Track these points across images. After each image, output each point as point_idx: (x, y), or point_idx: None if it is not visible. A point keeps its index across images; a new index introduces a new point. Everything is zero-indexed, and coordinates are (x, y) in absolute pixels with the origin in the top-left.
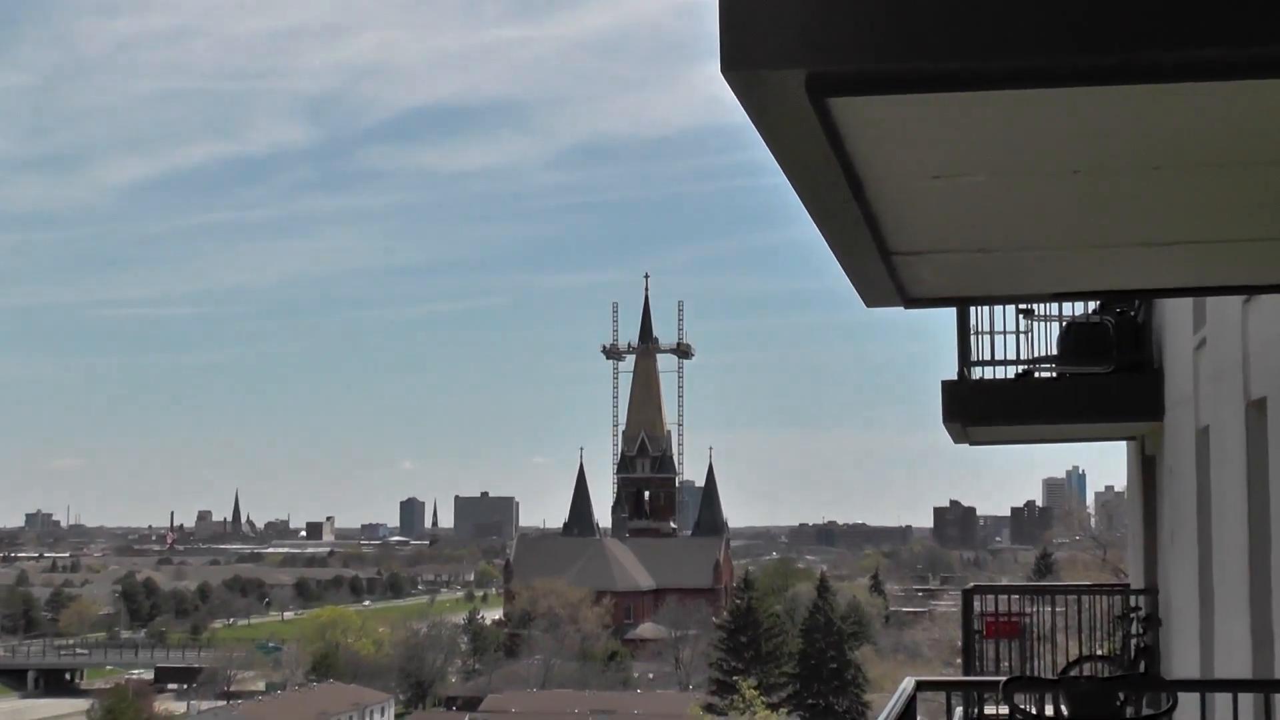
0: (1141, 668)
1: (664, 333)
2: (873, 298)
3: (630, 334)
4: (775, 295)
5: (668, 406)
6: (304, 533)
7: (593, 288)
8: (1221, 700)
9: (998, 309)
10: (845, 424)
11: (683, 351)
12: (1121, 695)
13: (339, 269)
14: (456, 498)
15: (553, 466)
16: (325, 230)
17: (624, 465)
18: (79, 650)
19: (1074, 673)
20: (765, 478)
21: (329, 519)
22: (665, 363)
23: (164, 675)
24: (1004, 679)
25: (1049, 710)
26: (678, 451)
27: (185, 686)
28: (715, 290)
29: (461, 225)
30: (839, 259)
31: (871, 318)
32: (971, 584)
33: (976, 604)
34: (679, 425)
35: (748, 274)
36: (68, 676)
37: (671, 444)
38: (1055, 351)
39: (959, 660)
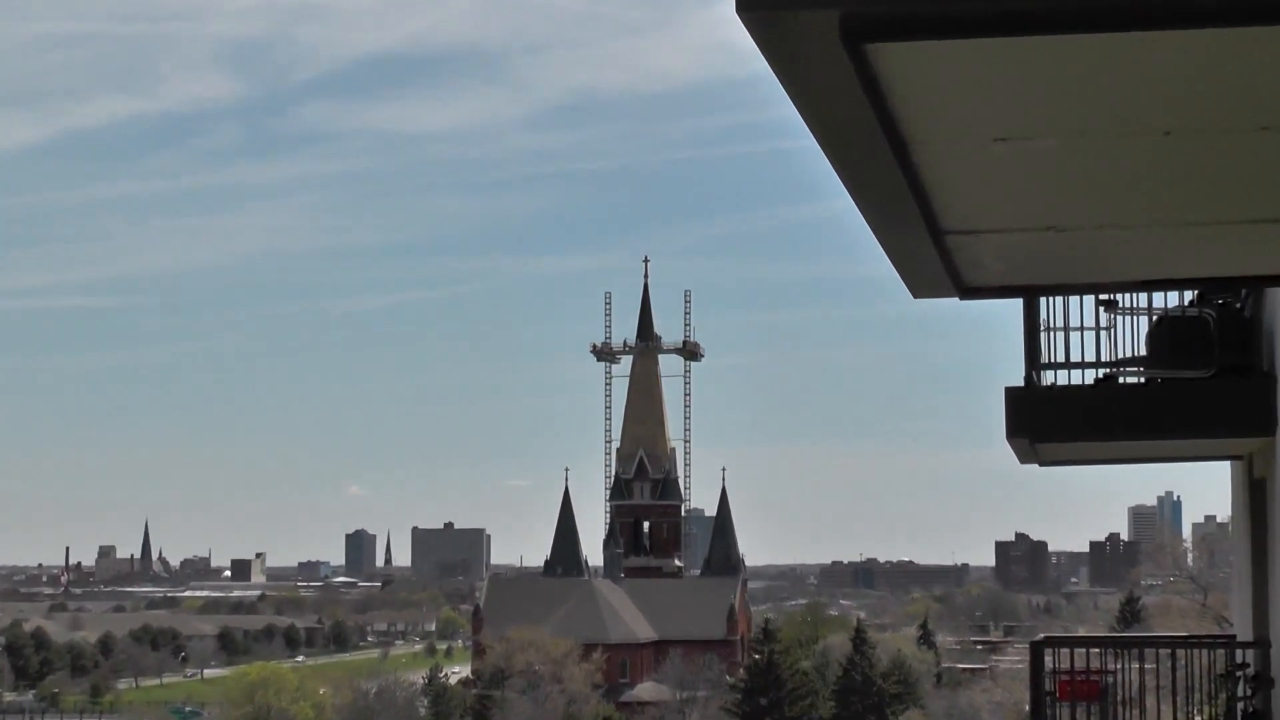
0: None
1: (667, 329)
2: (921, 287)
3: (626, 330)
4: (802, 285)
5: (672, 419)
6: (228, 572)
7: (581, 275)
8: None
9: (1073, 300)
10: (888, 441)
11: (690, 352)
12: None
13: (272, 252)
14: (414, 530)
15: (532, 492)
16: (255, 205)
17: (618, 490)
18: None
19: None
20: (790, 506)
21: (258, 556)
22: (669, 365)
23: None
24: None
25: None
26: (684, 473)
27: None
28: (729, 279)
29: (421, 199)
30: (880, 240)
31: (920, 311)
32: (1042, 635)
33: (1048, 659)
34: (685, 442)
35: (769, 259)
36: None
37: (676, 464)
38: (1143, 352)
39: None
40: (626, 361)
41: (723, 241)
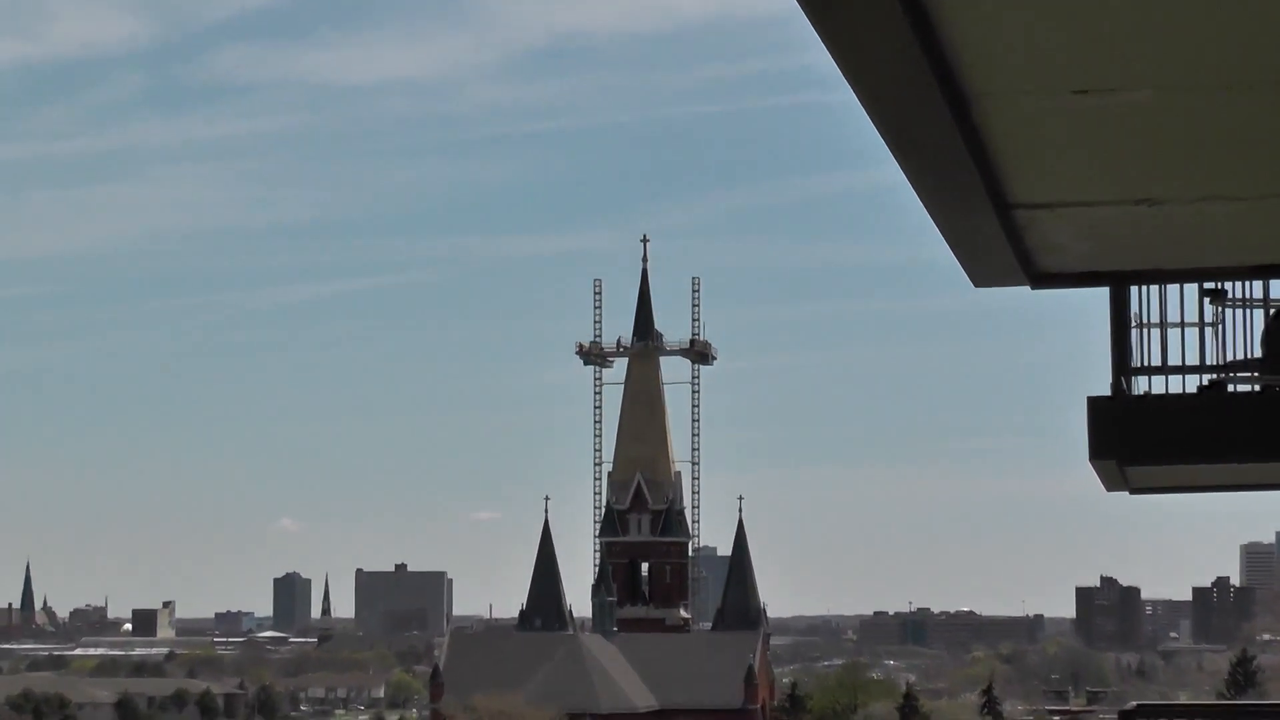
0: None
1: (670, 325)
2: (984, 274)
3: (620, 327)
4: (836, 271)
5: (676, 436)
6: (128, 626)
7: (564, 258)
8: None
9: (1171, 290)
10: (942, 463)
11: (699, 354)
12: None
13: (179, 231)
14: (359, 573)
15: (503, 526)
16: (159, 172)
17: (611, 524)
18: None
19: None
20: (823, 544)
21: (166, 606)
22: (673, 370)
23: None
24: None
25: None
26: (691, 503)
27: None
28: (747, 263)
29: (367, 165)
30: (934, 216)
31: (981, 304)
32: (1134, 703)
33: None
34: (694, 464)
35: (795, 240)
36: None
37: (682, 492)
38: (1258, 354)
39: None
40: (621, 365)
41: (739, 218)
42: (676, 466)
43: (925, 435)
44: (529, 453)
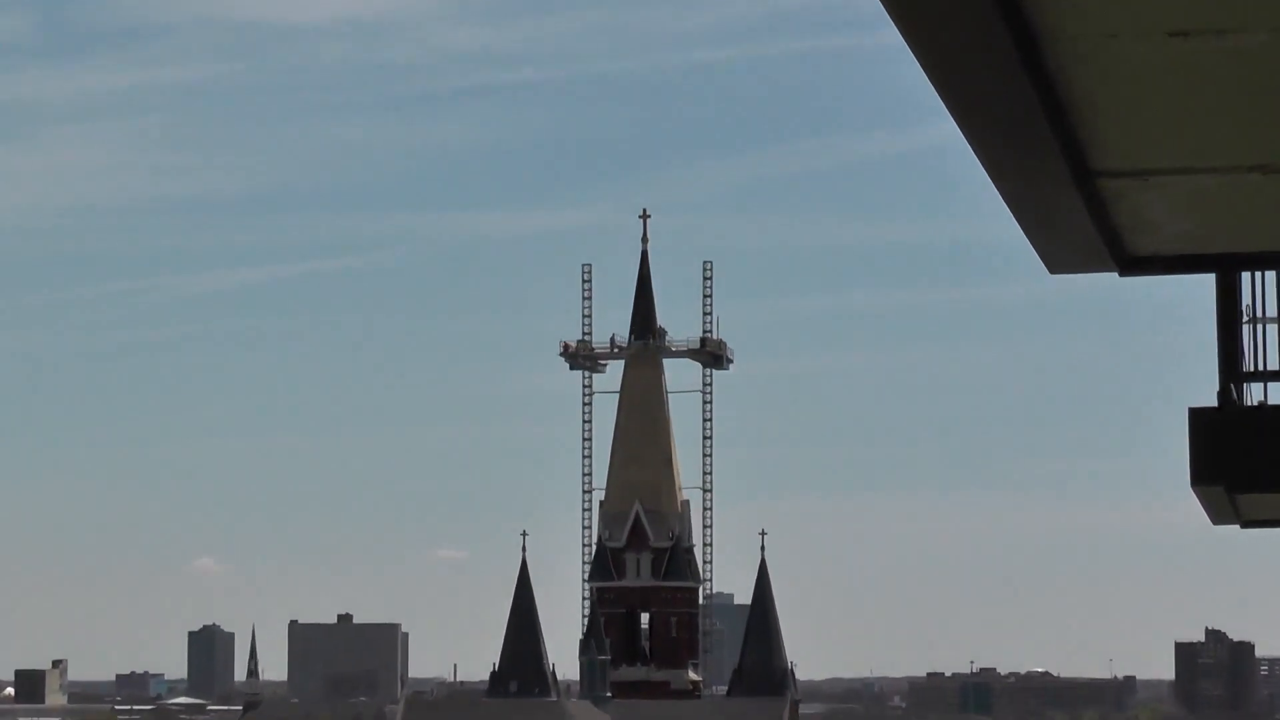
0: None
1: (676, 320)
2: (1062, 257)
3: (615, 322)
4: (877, 254)
5: (684, 456)
6: (10, 690)
7: (545, 238)
8: None
9: None
10: (1008, 490)
11: (711, 355)
12: None
13: (73, 206)
14: (293, 625)
15: (470, 567)
16: (49, 135)
17: (603, 565)
18: None
19: None
20: (863, 590)
21: (56, 665)
22: (679, 375)
23: None
24: None
25: None
26: (703, 540)
27: None
28: (769, 244)
29: (301, 125)
30: (999, 185)
31: (1059, 294)
32: None
33: None
34: (705, 491)
35: (827, 215)
36: None
37: (690, 526)
38: None
39: None
40: (615, 369)
41: (759, 189)
42: (684, 494)
43: (989, 456)
44: (502, 477)
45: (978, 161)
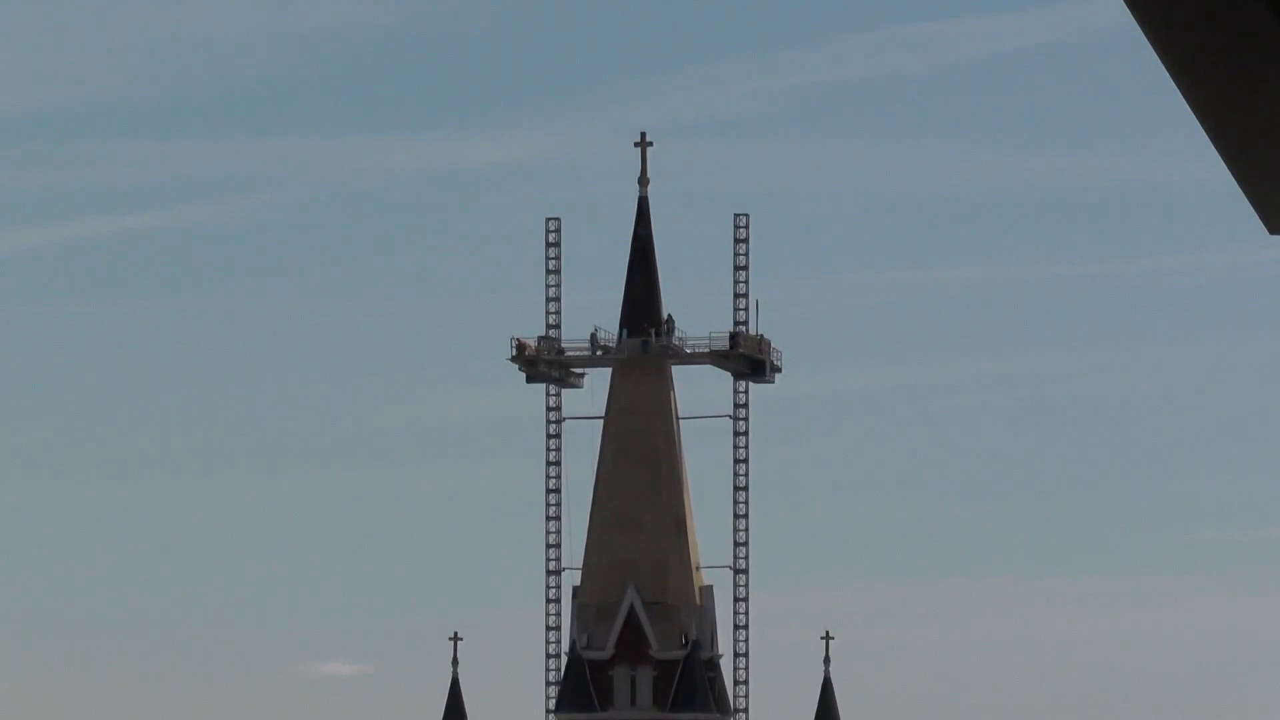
0: None
1: (692, 306)
2: None
3: (597, 309)
4: (1009, 201)
5: (704, 517)
6: None
7: (492, 179)
8: None
9: None
10: (1175, 571)
11: (747, 360)
12: None
13: None
14: None
15: (373, 688)
16: None
17: (578, 687)
18: None
19: None
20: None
21: None
22: (698, 391)
23: None
24: None
25: None
26: (735, 647)
27: None
28: (840, 183)
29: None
30: (1191, 100)
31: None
32: None
33: None
34: (739, 571)
35: (918, 143)
36: None
37: (714, 625)
38: None
39: None
40: (598, 382)
41: (820, 100)
42: (704, 576)
43: (1149, 518)
44: (423, 547)
45: (1160, 63)
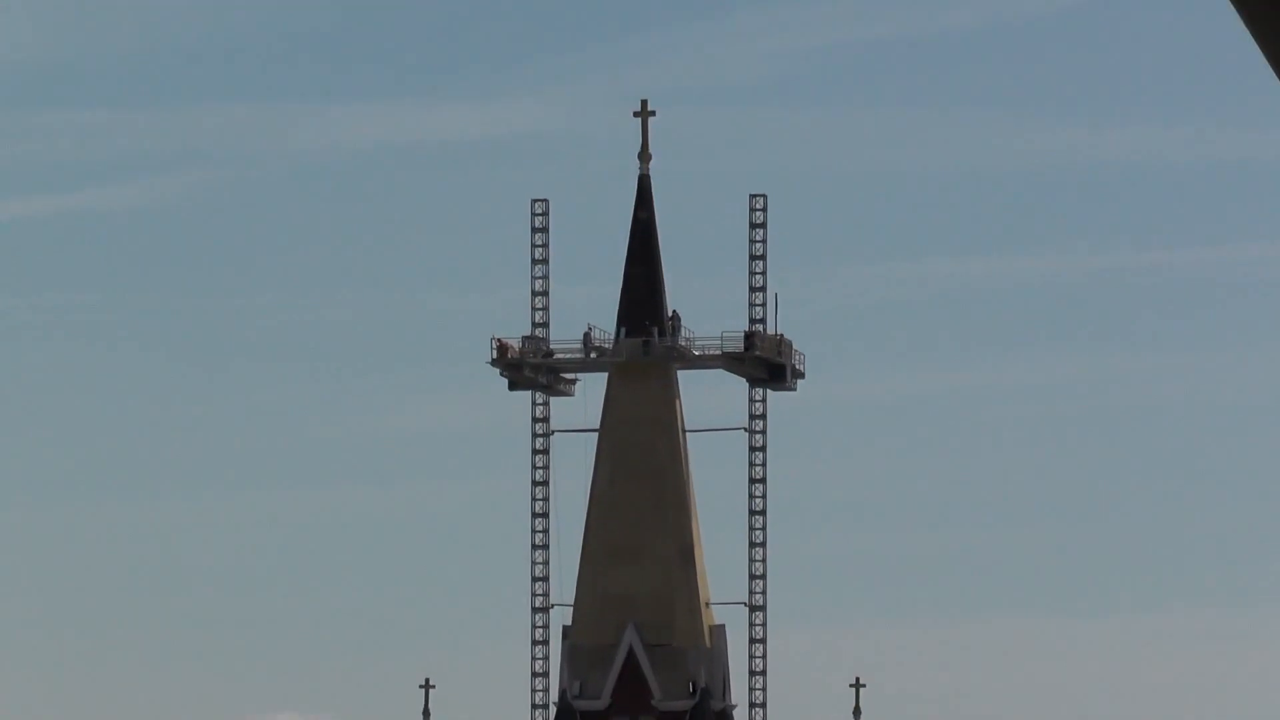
0: None
1: (701, 302)
2: None
3: (594, 308)
4: (1066, 178)
5: (715, 546)
6: None
7: (468, 151)
8: None
9: None
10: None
11: (765, 364)
12: None
13: None
14: None
15: None
16: None
17: None
18: None
19: None
20: None
21: None
22: (708, 400)
23: None
24: None
25: None
26: (750, 695)
27: None
28: (870, 160)
29: None
30: (1268, 52)
31: None
32: None
33: None
34: (755, 609)
35: (965, 115)
36: None
37: (726, 670)
38: None
39: None
40: (591, 388)
41: (848, 63)
42: (714, 614)
43: (1216, 550)
44: (390, 580)
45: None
